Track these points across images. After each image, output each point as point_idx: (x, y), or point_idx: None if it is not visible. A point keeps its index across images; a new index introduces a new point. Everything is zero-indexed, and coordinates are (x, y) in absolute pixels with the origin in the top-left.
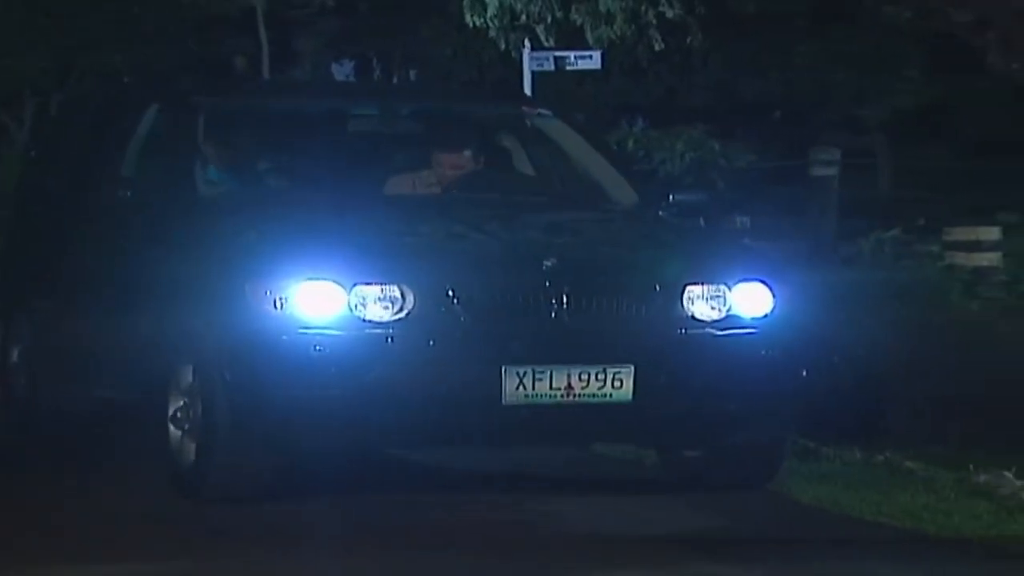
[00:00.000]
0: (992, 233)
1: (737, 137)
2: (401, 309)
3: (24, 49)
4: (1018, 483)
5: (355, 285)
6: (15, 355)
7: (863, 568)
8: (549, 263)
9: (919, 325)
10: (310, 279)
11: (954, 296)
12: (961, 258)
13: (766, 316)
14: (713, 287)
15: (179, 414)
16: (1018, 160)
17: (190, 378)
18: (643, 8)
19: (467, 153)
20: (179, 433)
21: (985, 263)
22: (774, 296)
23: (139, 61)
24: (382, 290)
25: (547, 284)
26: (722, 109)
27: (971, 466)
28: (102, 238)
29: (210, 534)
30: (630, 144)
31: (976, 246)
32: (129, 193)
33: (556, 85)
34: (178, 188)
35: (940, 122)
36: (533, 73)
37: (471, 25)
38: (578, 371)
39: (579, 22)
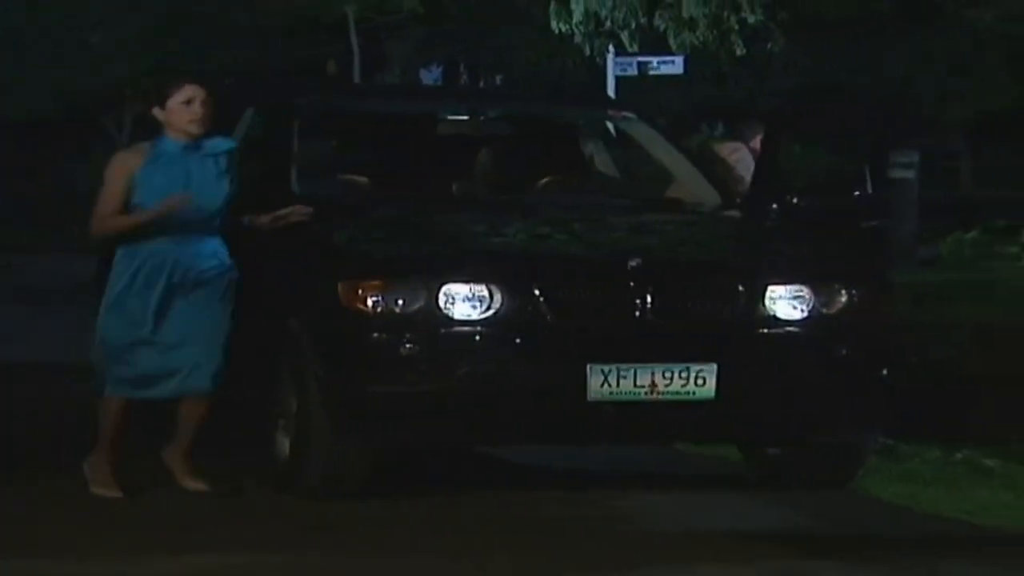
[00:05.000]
0: None
1: (816, 141)
2: (488, 308)
3: (125, 55)
4: None
5: (443, 284)
6: None
7: (943, 565)
8: (634, 263)
9: (997, 326)
10: (400, 278)
11: None
12: None
13: (847, 316)
14: (795, 287)
15: (276, 409)
16: None
17: (286, 374)
18: (725, 14)
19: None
20: (276, 428)
21: None
22: (855, 296)
23: (235, 65)
24: (470, 289)
25: (631, 284)
26: (809, 112)
27: None
28: None
29: (303, 529)
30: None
31: None
32: None
33: (639, 90)
34: (274, 188)
35: (1021, 123)
36: (617, 78)
37: (557, 31)
38: (662, 369)
39: (662, 28)
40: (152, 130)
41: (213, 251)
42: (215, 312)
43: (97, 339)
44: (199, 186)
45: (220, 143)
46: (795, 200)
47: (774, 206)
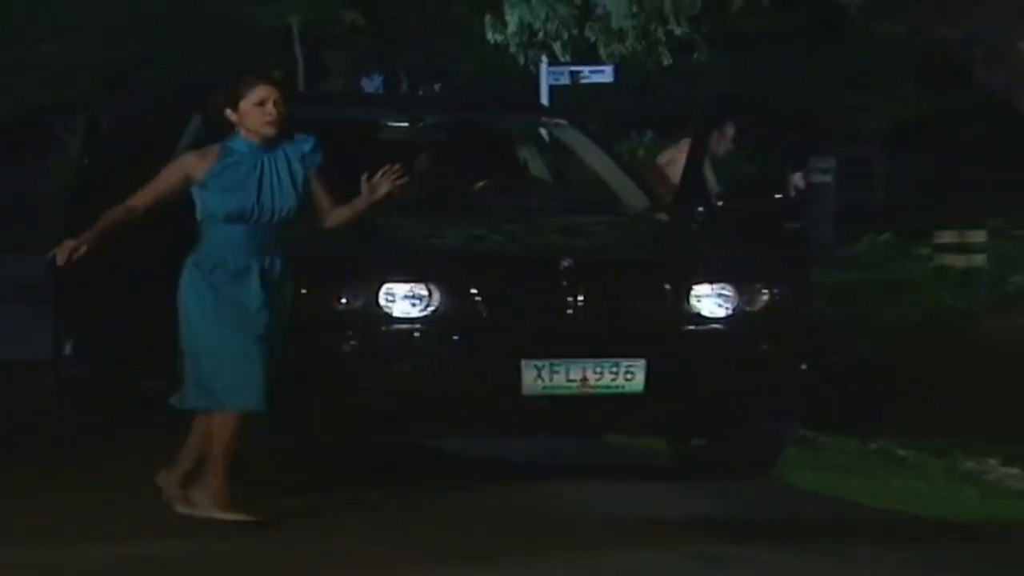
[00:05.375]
0: (979, 236)
1: (741, 146)
2: (427, 306)
3: (78, 64)
4: (1003, 470)
5: (383, 283)
6: (68, 348)
7: (856, 549)
8: (566, 264)
9: (910, 323)
10: (342, 279)
11: (943, 295)
12: (949, 259)
13: (768, 314)
14: (719, 286)
15: None
16: (1003, 168)
17: None
18: (653, 26)
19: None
20: None
21: (972, 264)
22: (776, 295)
23: (185, 76)
24: (410, 288)
25: (564, 283)
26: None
27: (959, 454)
28: (152, 238)
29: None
30: (640, 153)
31: (964, 248)
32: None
33: (572, 97)
34: None
35: (932, 132)
36: (550, 86)
37: (492, 42)
38: (593, 365)
39: (593, 39)
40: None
41: (285, 258)
42: (283, 321)
43: (192, 355)
44: (272, 187)
45: (301, 143)
46: (720, 203)
47: (700, 209)
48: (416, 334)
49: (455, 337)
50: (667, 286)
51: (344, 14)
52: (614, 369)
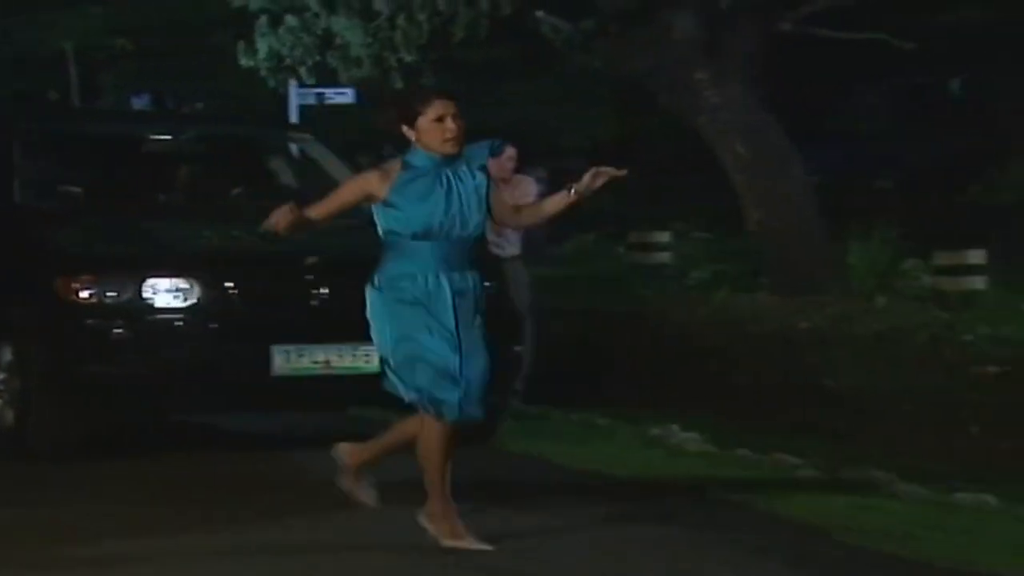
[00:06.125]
0: (664, 237)
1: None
2: (187, 298)
3: None
4: (683, 435)
5: (146, 278)
6: None
7: (559, 505)
8: (310, 260)
9: (610, 310)
10: (110, 273)
11: (636, 287)
12: (640, 257)
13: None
14: None
15: (2, 386)
16: (684, 179)
17: (10, 356)
18: (386, 54)
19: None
20: (2, 402)
21: (659, 261)
22: (490, 286)
23: None
24: (171, 282)
25: (308, 278)
26: None
27: (648, 422)
28: None
29: (27, 487)
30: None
31: (652, 247)
32: None
33: (320, 116)
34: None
35: (627, 149)
36: (300, 106)
37: (245, 66)
38: (335, 349)
39: (334, 65)
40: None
41: (477, 273)
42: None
43: (404, 366)
44: (459, 201)
45: (477, 152)
46: None
47: None
48: (177, 323)
49: (212, 325)
50: None
51: (115, 40)
52: (354, 353)
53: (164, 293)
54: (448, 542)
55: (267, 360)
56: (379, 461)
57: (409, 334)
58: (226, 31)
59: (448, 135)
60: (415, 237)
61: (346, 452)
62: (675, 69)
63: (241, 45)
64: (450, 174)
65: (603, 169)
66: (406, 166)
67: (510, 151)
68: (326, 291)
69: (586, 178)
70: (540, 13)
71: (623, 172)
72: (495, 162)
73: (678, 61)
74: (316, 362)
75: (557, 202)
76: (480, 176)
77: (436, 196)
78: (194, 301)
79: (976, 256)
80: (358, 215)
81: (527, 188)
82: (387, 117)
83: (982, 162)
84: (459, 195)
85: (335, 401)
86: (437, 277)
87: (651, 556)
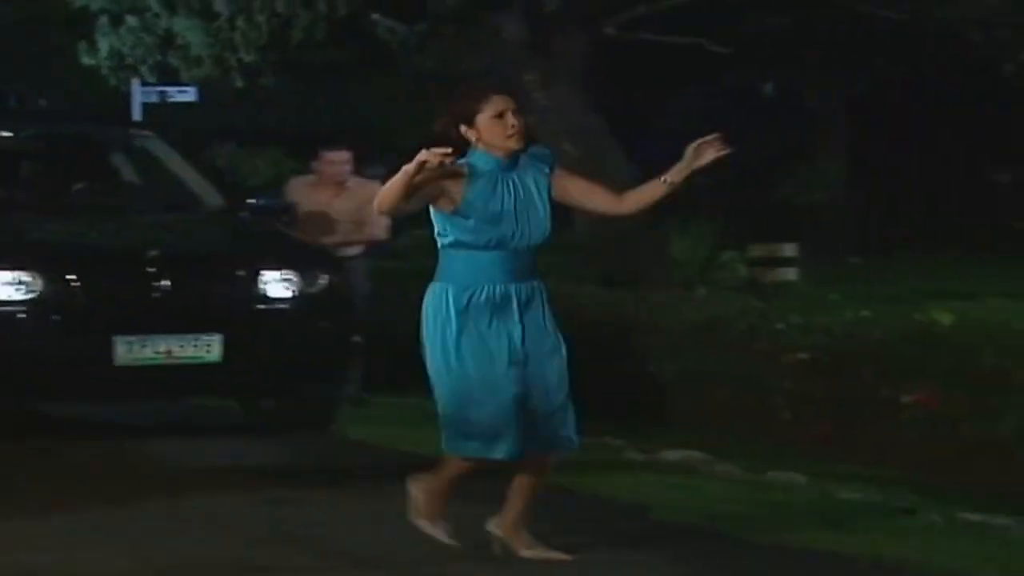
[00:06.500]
0: None
1: (309, 157)
2: (31, 291)
3: None
4: None
5: None
6: None
7: (392, 487)
8: (152, 254)
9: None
10: None
11: None
12: None
13: (325, 295)
14: (284, 272)
15: None
16: None
17: None
18: (226, 54)
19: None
20: None
21: None
22: (332, 280)
23: None
24: (13, 275)
25: (150, 271)
26: (298, 136)
27: None
28: None
29: None
30: (219, 161)
31: None
32: None
33: (163, 113)
34: None
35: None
36: (143, 103)
37: (87, 65)
38: (176, 339)
39: (175, 64)
40: None
41: (542, 284)
42: (559, 347)
43: (448, 396)
44: (527, 207)
45: (541, 156)
46: (256, 202)
47: (252, 205)
48: (20, 315)
49: (55, 317)
50: (239, 272)
51: None
52: (195, 343)
53: (6, 286)
54: (424, 525)
55: (110, 351)
56: (520, 518)
57: (463, 356)
58: (68, 31)
59: (511, 131)
60: (487, 248)
61: (498, 525)
62: (507, 70)
63: (82, 44)
64: (516, 178)
65: (708, 139)
66: (471, 171)
67: (344, 155)
68: (168, 283)
69: (688, 156)
70: (376, 16)
71: (727, 150)
72: (329, 167)
73: (511, 62)
74: (158, 352)
75: (653, 191)
76: (542, 179)
77: (506, 203)
78: (36, 294)
79: (789, 249)
80: (196, 208)
81: (374, 190)
82: (444, 120)
83: (794, 161)
84: (526, 201)
85: (177, 390)
86: (505, 290)
87: (459, 537)
